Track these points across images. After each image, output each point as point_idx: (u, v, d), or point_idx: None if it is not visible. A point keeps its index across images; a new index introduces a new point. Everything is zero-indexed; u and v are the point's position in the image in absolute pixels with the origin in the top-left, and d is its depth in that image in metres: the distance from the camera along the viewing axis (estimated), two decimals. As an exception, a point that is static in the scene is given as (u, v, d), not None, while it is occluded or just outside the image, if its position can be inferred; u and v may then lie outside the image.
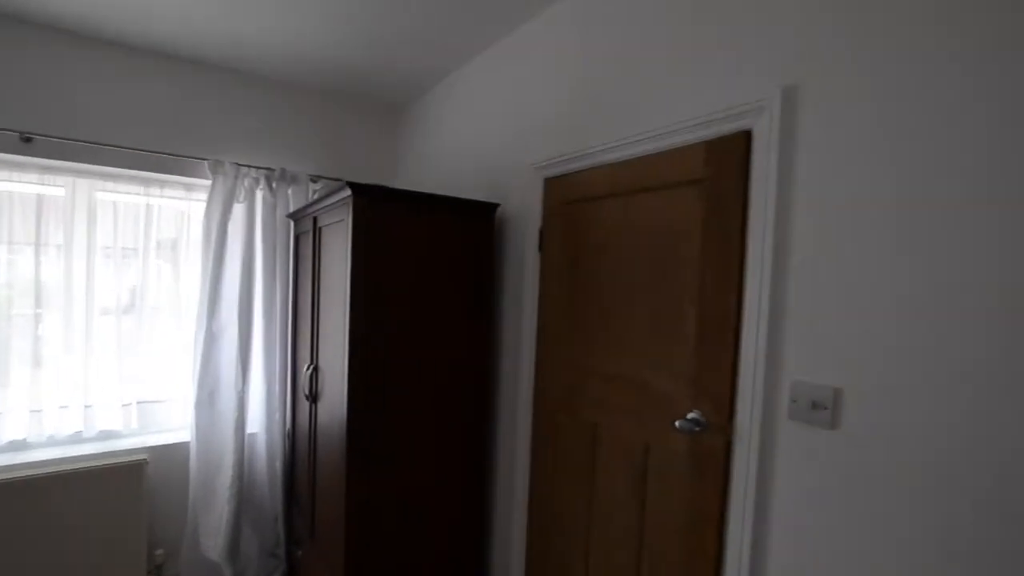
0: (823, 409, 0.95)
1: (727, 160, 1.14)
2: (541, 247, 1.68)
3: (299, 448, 2.26)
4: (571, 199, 1.58)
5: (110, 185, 2.24)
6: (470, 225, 1.79)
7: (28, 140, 2.00)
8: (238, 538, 2.30)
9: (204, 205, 2.30)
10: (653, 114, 1.31)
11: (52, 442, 2.15)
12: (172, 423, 2.41)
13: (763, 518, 1.06)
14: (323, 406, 1.87)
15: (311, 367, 1.95)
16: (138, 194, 2.30)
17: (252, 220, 2.37)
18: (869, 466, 0.90)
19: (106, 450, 2.17)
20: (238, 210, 2.35)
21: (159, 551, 2.29)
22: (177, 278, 2.39)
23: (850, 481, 0.93)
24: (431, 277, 1.73)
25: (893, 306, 0.88)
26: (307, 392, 1.97)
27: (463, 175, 2.19)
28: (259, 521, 2.43)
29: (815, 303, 0.99)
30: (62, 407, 2.17)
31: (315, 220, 1.94)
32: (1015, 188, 0.76)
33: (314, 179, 2.55)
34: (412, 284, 1.69)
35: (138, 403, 2.34)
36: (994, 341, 0.77)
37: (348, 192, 1.51)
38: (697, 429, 1.16)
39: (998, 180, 0.77)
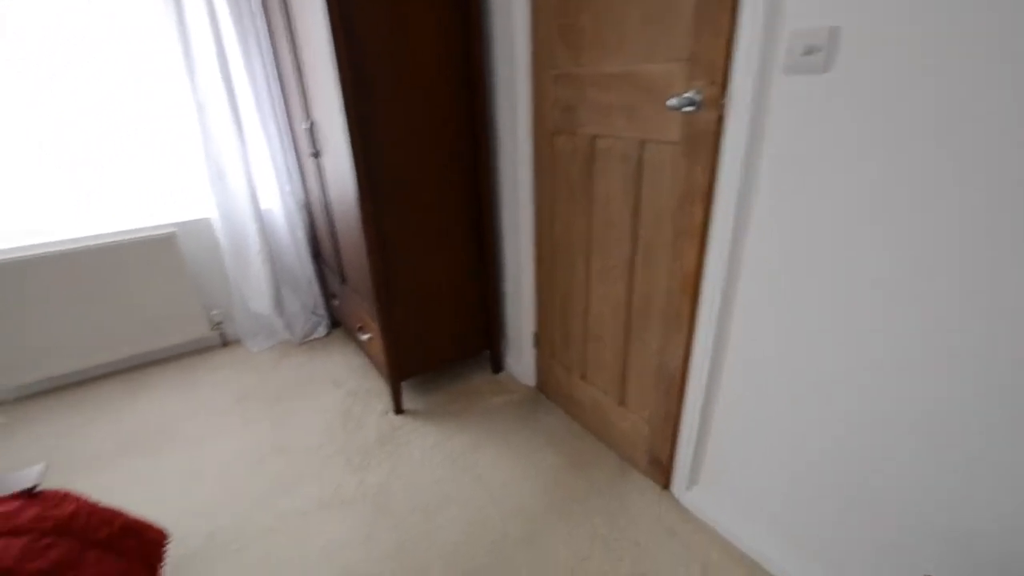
0: (817, 52, 0.93)
1: None
2: (529, -55, 1.48)
3: (314, 207, 2.38)
4: None
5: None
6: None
7: None
8: (280, 296, 2.59)
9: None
10: None
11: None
12: (194, 200, 2.50)
13: (750, 183, 1.12)
14: (327, 160, 1.90)
15: (308, 124, 1.92)
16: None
17: (203, -31, 2.09)
18: (856, 111, 0.91)
19: (138, 227, 2.32)
20: (185, -45, 2.05)
21: (215, 311, 2.61)
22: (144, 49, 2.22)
23: (836, 128, 0.95)
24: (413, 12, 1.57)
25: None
26: (309, 149, 1.99)
27: None
28: (295, 285, 2.69)
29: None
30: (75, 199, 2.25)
31: (271, -55, 1.71)
32: None
33: (261, -91, 2.16)
34: (393, 25, 1.55)
35: (155, 186, 2.40)
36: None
37: None
38: (691, 108, 1.16)
39: None
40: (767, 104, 1.05)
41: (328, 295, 2.70)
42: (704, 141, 1.17)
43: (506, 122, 1.84)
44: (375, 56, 1.56)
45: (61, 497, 1.14)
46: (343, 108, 1.52)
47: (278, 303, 2.58)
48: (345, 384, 2.29)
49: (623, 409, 1.72)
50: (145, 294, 2.33)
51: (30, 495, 1.09)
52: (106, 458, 1.88)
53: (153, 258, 2.30)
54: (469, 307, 2.11)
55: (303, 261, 2.67)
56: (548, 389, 2.11)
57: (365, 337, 2.11)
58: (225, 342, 2.70)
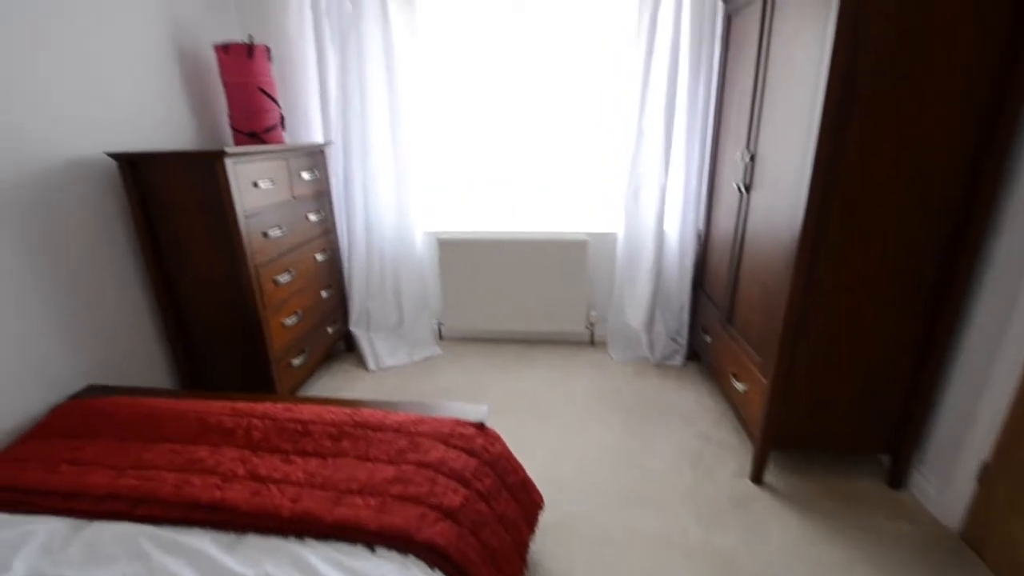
0: None
1: None
2: None
3: (716, 241, 2.33)
4: None
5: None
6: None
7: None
8: (653, 315, 2.68)
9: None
10: None
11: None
12: (605, 216, 2.82)
13: None
14: (760, 196, 1.81)
15: (748, 155, 1.87)
16: None
17: (679, 6, 2.27)
18: None
19: (560, 231, 2.78)
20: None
21: (593, 312, 2.91)
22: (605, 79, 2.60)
23: None
24: (956, 20, 1.30)
25: None
26: (739, 183, 1.93)
27: None
28: (666, 308, 2.74)
29: None
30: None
31: (769, -20, 1.69)
32: None
33: (748, -53, 2.20)
34: (922, 34, 1.31)
35: (580, 199, 2.83)
36: None
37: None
38: None
39: None
40: None
41: (697, 326, 2.64)
42: None
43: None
44: (866, 97, 1.36)
45: (495, 437, 1.42)
46: (816, 149, 1.39)
47: (650, 321, 2.67)
48: (696, 423, 2.19)
49: None
50: (552, 285, 2.77)
51: (480, 428, 1.40)
52: (498, 408, 2.32)
53: (566, 258, 2.71)
54: (882, 391, 1.69)
55: (682, 287, 2.69)
56: (983, 545, 1.50)
57: (740, 387, 1.95)
58: (592, 342, 2.98)
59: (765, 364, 1.73)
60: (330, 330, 2.59)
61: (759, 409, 1.78)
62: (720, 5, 2.26)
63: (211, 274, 1.89)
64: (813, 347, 1.64)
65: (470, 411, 1.47)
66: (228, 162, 1.72)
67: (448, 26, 2.59)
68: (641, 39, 2.32)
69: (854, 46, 1.33)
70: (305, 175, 2.30)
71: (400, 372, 2.69)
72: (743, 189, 1.92)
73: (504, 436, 1.49)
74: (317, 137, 2.60)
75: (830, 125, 1.39)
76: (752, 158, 1.85)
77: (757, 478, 1.83)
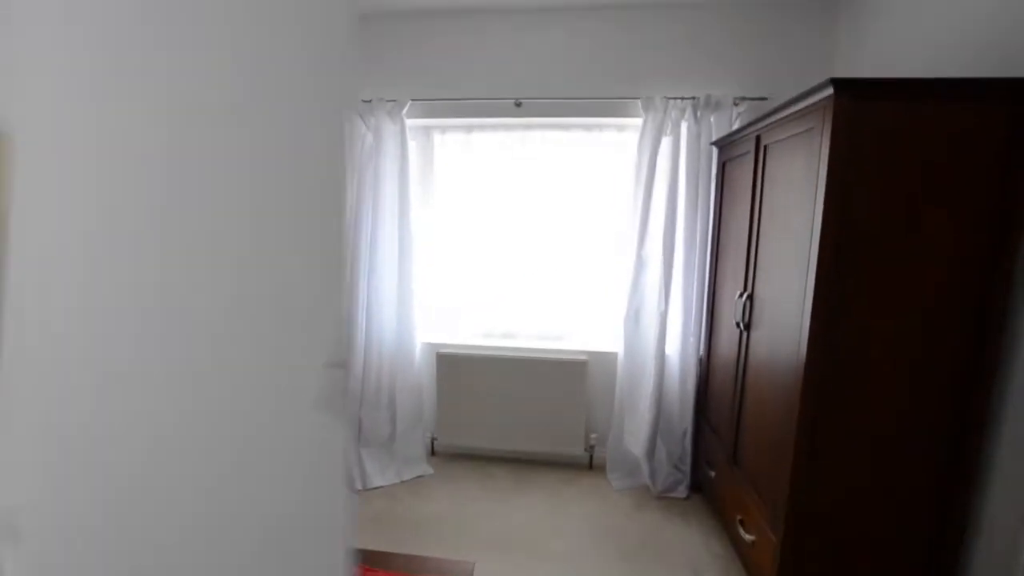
0: None
1: None
2: None
3: (717, 374, 2.30)
4: None
5: (560, 134, 2.73)
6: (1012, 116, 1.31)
7: (519, 104, 2.59)
8: (655, 442, 2.58)
9: (635, 142, 2.51)
10: None
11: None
12: (605, 335, 2.83)
13: None
14: (759, 335, 1.81)
15: (745, 295, 1.90)
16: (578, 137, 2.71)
17: (677, 152, 2.45)
18: None
19: (560, 348, 2.77)
20: (665, 144, 2.46)
21: (593, 435, 2.81)
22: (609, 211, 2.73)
23: None
24: (937, 196, 1.37)
25: None
26: (738, 320, 1.95)
27: (965, 56, 1.62)
28: (668, 431, 2.64)
29: None
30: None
31: (758, 139, 1.82)
32: None
33: (737, 102, 2.42)
34: (906, 208, 1.38)
35: (580, 318, 2.85)
36: None
37: (828, 92, 1.31)
38: None
39: None
40: None
41: (699, 457, 2.53)
42: None
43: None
44: (865, 235, 1.40)
45: (480, 601, 1.29)
46: (813, 297, 1.41)
47: (651, 449, 2.56)
48: (702, 574, 2.02)
49: None
50: (550, 404, 2.71)
51: (465, 589, 1.29)
52: (487, 543, 2.16)
53: (565, 378, 2.67)
54: (906, 560, 1.56)
55: (684, 413, 2.61)
56: None
57: (747, 537, 1.82)
58: (591, 465, 2.84)
59: (773, 518, 1.63)
60: (319, 446, 2.48)
61: (769, 568, 1.64)
62: (715, 151, 2.43)
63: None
64: (825, 504, 1.55)
65: (456, 570, 1.36)
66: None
67: (461, 160, 2.78)
68: (641, 177, 2.47)
69: (844, 206, 1.38)
70: (310, 291, 2.34)
71: (387, 494, 2.54)
72: (742, 327, 1.93)
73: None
74: (327, 251, 2.69)
75: (826, 277, 1.41)
76: (750, 297, 1.88)
77: (772, 651, 1.65)
